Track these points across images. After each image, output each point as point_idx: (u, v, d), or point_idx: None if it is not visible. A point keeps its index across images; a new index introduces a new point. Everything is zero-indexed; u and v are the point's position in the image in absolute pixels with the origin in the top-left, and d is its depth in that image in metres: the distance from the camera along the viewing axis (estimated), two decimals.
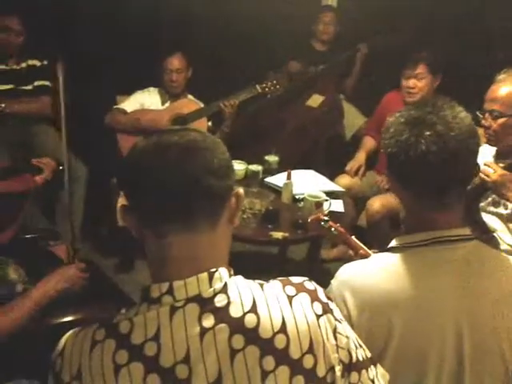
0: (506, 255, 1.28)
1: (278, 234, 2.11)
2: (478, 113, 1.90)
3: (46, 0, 3.09)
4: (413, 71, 2.79)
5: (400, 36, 3.57)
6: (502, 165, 1.81)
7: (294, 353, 0.79)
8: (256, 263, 2.66)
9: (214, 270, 0.82)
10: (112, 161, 3.03)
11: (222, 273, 0.83)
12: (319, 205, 2.23)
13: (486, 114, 1.91)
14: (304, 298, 0.84)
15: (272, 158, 2.78)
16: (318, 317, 0.83)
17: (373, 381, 0.88)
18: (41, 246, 2.24)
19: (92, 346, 0.80)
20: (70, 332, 0.86)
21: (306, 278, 0.90)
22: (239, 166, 2.59)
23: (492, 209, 1.92)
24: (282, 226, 2.21)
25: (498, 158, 1.98)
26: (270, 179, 2.62)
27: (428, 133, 1.08)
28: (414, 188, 1.14)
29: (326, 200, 2.30)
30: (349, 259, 2.82)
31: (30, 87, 3.03)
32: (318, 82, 3.56)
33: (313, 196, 2.28)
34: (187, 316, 0.79)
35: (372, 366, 0.89)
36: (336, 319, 0.86)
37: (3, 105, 2.71)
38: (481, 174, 1.74)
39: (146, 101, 3.15)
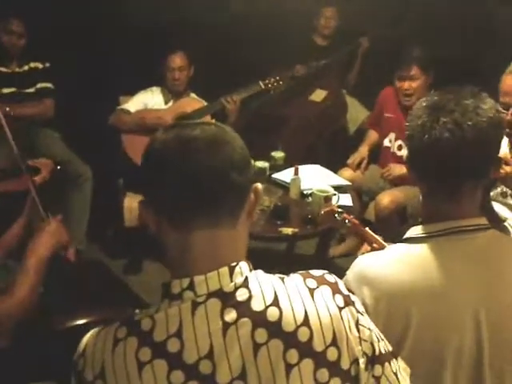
0: None
1: (288, 230, 2.10)
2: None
3: (47, 1, 3.08)
4: (406, 73, 2.80)
5: (399, 29, 3.57)
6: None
7: (318, 345, 0.79)
8: (264, 260, 2.61)
9: (234, 264, 0.81)
10: (117, 162, 3.03)
11: (243, 267, 0.82)
12: (328, 199, 2.23)
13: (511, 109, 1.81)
14: (325, 290, 0.84)
15: (278, 154, 2.77)
16: (341, 309, 0.82)
17: (396, 374, 0.87)
18: None
19: (114, 344, 0.79)
20: (91, 332, 0.85)
21: (326, 271, 0.89)
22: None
23: (500, 199, 1.91)
24: (291, 222, 2.20)
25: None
26: (277, 175, 2.62)
27: (444, 119, 1.07)
28: (427, 176, 1.14)
29: (334, 194, 2.30)
30: (356, 254, 2.83)
31: (32, 90, 3.04)
32: (321, 76, 3.56)
33: (321, 191, 2.28)
34: (209, 311, 0.78)
35: (394, 360, 0.88)
36: (358, 311, 0.85)
37: (8, 108, 2.70)
38: None
39: (149, 100, 3.15)
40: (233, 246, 0.84)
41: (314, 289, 0.83)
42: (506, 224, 1.90)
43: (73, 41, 3.18)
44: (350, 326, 0.82)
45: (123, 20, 3.37)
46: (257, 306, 0.79)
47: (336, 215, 1.62)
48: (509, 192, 1.83)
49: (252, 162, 0.87)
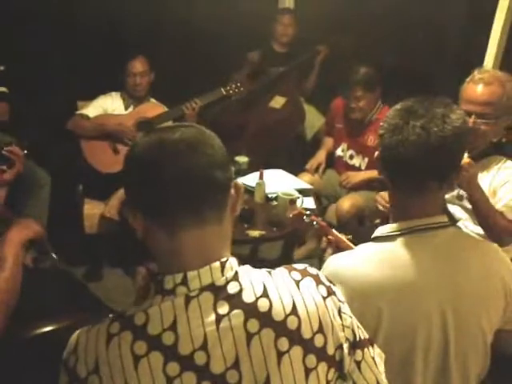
0: (481, 239, 1.35)
1: (255, 233, 2.14)
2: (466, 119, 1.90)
3: (2, 4, 3.00)
4: (351, 94, 2.89)
5: (355, 37, 3.68)
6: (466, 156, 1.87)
7: (306, 333, 0.83)
8: None
9: (225, 259, 0.85)
10: (76, 167, 2.98)
11: (232, 262, 0.86)
12: (292, 202, 2.28)
13: (473, 117, 1.82)
14: (309, 281, 0.88)
15: (242, 159, 2.81)
16: (324, 298, 0.87)
17: (373, 359, 0.93)
18: None
19: (108, 339, 0.81)
20: (80, 330, 0.86)
21: (308, 265, 0.94)
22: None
23: (457, 201, 2.00)
24: (257, 225, 2.24)
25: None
26: (241, 180, 2.65)
27: (414, 123, 1.15)
28: (394, 174, 1.21)
29: (298, 197, 2.35)
30: (317, 256, 2.88)
31: None
32: (280, 83, 3.61)
33: (286, 194, 2.33)
34: (202, 304, 0.81)
35: (371, 346, 0.94)
36: (339, 300, 0.91)
37: None
38: None
39: (108, 106, 3.11)
40: (220, 242, 0.87)
41: (299, 280, 0.88)
42: (459, 224, 2.00)
43: (29, 43, 3.10)
44: (333, 314, 0.87)
45: (82, 24, 3.31)
46: (248, 297, 0.82)
47: (304, 217, 1.66)
48: (465, 195, 1.90)
49: (228, 160, 0.90)
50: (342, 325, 0.88)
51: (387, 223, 1.27)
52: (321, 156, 3.19)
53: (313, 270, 0.92)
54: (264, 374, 0.80)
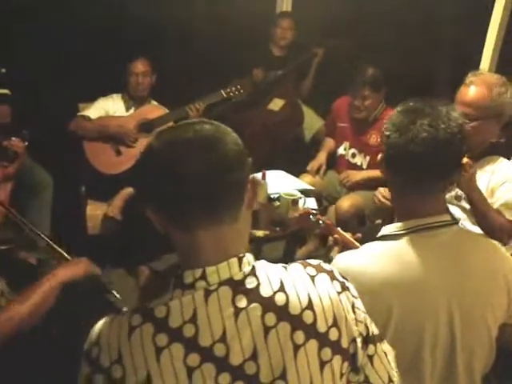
0: (484, 237, 1.40)
1: (259, 232, 2.18)
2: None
3: (2, 3, 3.02)
4: (359, 92, 2.94)
5: (352, 40, 3.73)
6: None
7: (321, 327, 0.86)
8: None
9: (242, 255, 0.87)
10: (79, 169, 3.00)
11: (249, 257, 0.89)
12: (295, 202, 2.32)
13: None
14: (324, 277, 0.91)
15: None
16: (339, 293, 0.90)
17: (385, 354, 0.96)
18: (15, 256, 2.19)
19: (130, 331, 0.83)
20: (101, 322, 0.88)
21: (321, 261, 0.97)
22: None
23: (455, 202, 2.03)
24: (260, 225, 2.27)
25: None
26: None
27: (421, 121, 1.19)
28: (402, 174, 1.24)
29: (300, 198, 2.39)
30: (316, 256, 2.92)
31: None
32: (278, 86, 3.65)
33: (288, 194, 2.37)
34: (221, 298, 0.84)
35: (382, 341, 0.97)
36: (353, 296, 0.93)
37: None
38: None
39: (110, 107, 3.13)
40: (237, 239, 0.89)
41: (314, 276, 0.90)
42: (459, 224, 2.04)
43: (29, 45, 3.12)
44: (347, 309, 0.90)
45: (83, 26, 3.33)
46: (265, 292, 0.85)
47: (310, 216, 1.70)
48: (463, 195, 1.94)
49: (246, 158, 0.89)
50: (356, 319, 0.91)
51: (389, 223, 1.31)
52: (322, 157, 3.23)
53: (327, 266, 0.95)
54: (281, 366, 0.83)
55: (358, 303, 0.94)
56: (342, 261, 1.26)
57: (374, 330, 0.95)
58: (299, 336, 0.84)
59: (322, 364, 0.85)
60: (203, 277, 0.84)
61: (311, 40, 3.82)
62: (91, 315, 1.72)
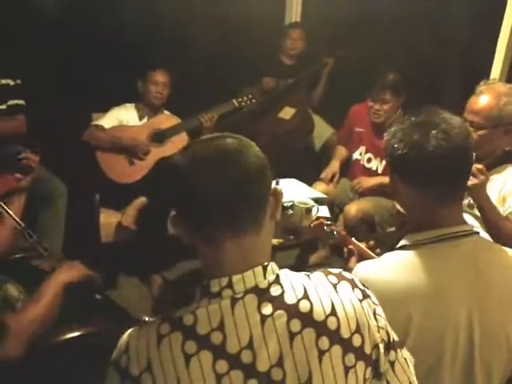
0: (502, 247, 1.40)
1: (274, 241, 2.19)
2: None
3: (18, 15, 3.07)
4: (379, 96, 2.97)
5: (362, 50, 3.75)
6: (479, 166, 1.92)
7: (345, 333, 0.88)
8: None
9: (266, 263, 0.89)
10: (92, 177, 3.03)
11: (273, 266, 0.91)
12: (308, 211, 2.33)
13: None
14: (345, 285, 0.93)
15: None
16: (361, 301, 0.92)
17: (406, 360, 0.97)
18: (28, 264, 2.22)
19: (159, 339, 0.85)
20: (130, 331, 0.90)
21: (342, 269, 0.99)
22: None
23: (468, 210, 2.03)
24: (275, 233, 2.28)
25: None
26: None
27: (435, 131, 1.20)
28: (424, 185, 1.24)
29: (314, 206, 2.40)
30: (328, 264, 2.93)
31: (3, 107, 2.96)
32: (289, 94, 3.68)
33: (302, 203, 2.38)
34: (247, 306, 0.85)
35: (402, 348, 0.98)
36: (374, 303, 0.95)
37: None
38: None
39: (123, 117, 3.17)
40: (261, 249, 0.91)
41: (336, 284, 0.92)
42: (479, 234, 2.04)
43: (44, 56, 3.17)
44: (369, 316, 0.92)
45: (96, 37, 3.38)
46: (290, 299, 0.87)
47: (325, 227, 1.71)
48: (475, 204, 1.94)
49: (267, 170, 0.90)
50: (378, 326, 0.92)
51: (400, 230, 1.31)
52: (335, 165, 3.25)
53: (348, 275, 0.96)
54: (306, 372, 0.84)
55: (379, 310, 0.96)
56: (362, 270, 1.27)
57: (394, 336, 0.97)
58: (324, 342, 0.86)
59: (346, 369, 0.87)
60: (229, 285, 0.86)
61: (320, 49, 3.85)
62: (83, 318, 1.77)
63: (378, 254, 1.64)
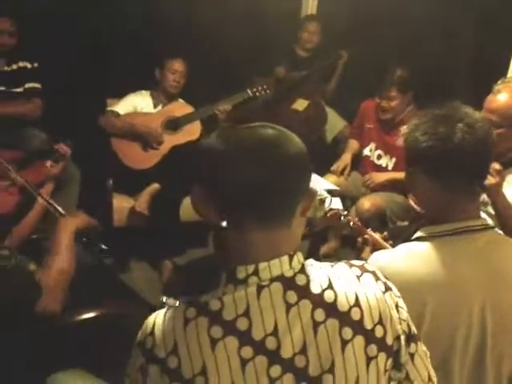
0: None
1: None
2: None
3: (37, 2, 3.08)
4: (386, 93, 2.96)
5: (377, 44, 3.74)
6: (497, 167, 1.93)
7: (368, 324, 0.89)
8: None
9: (292, 253, 0.90)
10: (106, 162, 3.06)
11: (299, 256, 0.92)
12: (322, 202, 2.35)
13: None
14: (368, 277, 0.94)
15: None
16: (383, 293, 0.93)
17: (425, 353, 0.99)
18: (42, 244, 2.26)
19: (185, 323, 0.86)
20: (155, 314, 0.92)
21: (365, 262, 1.00)
22: None
23: (482, 208, 2.03)
24: None
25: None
26: None
27: (460, 124, 1.22)
28: (448, 178, 1.25)
29: (327, 197, 2.42)
30: (338, 255, 2.95)
31: (20, 89, 3.00)
32: (302, 86, 3.68)
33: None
34: (273, 294, 0.87)
35: (420, 341, 0.99)
36: (396, 296, 0.96)
37: None
38: None
39: (138, 103, 3.19)
40: (289, 241, 0.91)
41: (359, 276, 0.94)
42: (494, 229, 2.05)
43: (62, 41, 3.18)
44: (391, 308, 0.93)
45: (114, 24, 3.39)
46: (314, 289, 0.88)
47: (342, 218, 1.73)
48: (489, 202, 1.95)
49: (308, 166, 0.89)
50: (399, 318, 0.93)
51: (414, 224, 1.33)
52: (347, 158, 3.26)
53: (370, 267, 0.97)
54: (329, 360, 0.86)
55: (401, 302, 0.97)
56: (379, 259, 1.28)
57: (414, 329, 0.98)
58: (347, 332, 0.87)
59: (368, 360, 0.88)
60: (255, 272, 0.87)
61: (335, 42, 3.85)
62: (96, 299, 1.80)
63: (392, 246, 1.66)
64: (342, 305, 0.88)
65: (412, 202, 2.14)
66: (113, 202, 2.94)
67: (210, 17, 3.65)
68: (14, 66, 2.99)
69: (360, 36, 3.78)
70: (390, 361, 0.91)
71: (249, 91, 3.24)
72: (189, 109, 3.21)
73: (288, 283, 0.87)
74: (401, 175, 2.96)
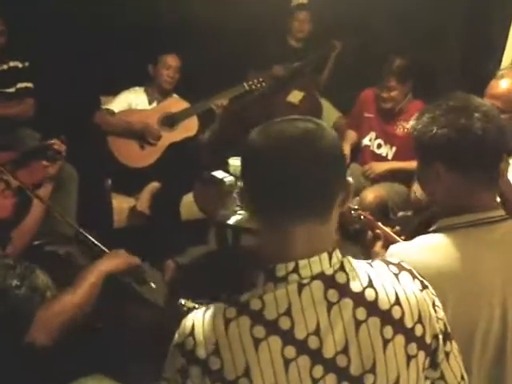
0: None
1: None
2: None
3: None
4: (385, 83, 2.94)
5: (370, 34, 3.73)
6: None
7: (408, 322, 0.88)
8: None
9: (331, 250, 0.89)
10: (103, 162, 3.01)
11: (337, 253, 0.90)
12: None
13: None
14: (406, 275, 0.94)
15: None
16: (421, 291, 0.93)
17: (458, 351, 0.98)
18: (46, 249, 2.22)
19: (226, 323, 0.85)
20: (192, 314, 0.90)
21: (401, 260, 0.99)
22: (237, 162, 2.65)
23: None
24: None
25: None
26: None
27: (478, 114, 1.20)
28: (469, 169, 1.24)
29: None
30: (340, 248, 2.93)
31: (12, 89, 2.96)
32: (297, 78, 3.66)
33: None
34: (314, 292, 0.85)
35: (453, 339, 0.99)
36: (433, 294, 0.96)
37: None
38: None
39: (132, 100, 3.15)
40: (327, 236, 0.90)
41: (397, 274, 0.93)
42: None
43: (52, 39, 3.12)
44: (429, 306, 0.92)
45: (103, 21, 3.33)
46: (355, 287, 0.87)
47: (352, 212, 1.71)
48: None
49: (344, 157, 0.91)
50: (436, 317, 0.93)
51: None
52: (345, 149, 3.21)
53: (406, 265, 0.97)
54: (371, 360, 0.85)
55: (438, 301, 0.96)
56: (398, 252, 1.26)
57: (449, 327, 0.97)
58: (388, 331, 0.86)
59: (409, 358, 0.87)
60: (295, 270, 0.86)
61: (327, 32, 3.82)
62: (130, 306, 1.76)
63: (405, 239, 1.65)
64: (383, 303, 0.87)
65: (417, 194, 2.13)
66: (112, 202, 2.90)
67: (202, 11, 3.61)
68: (5, 66, 2.95)
69: (352, 25, 3.76)
70: (428, 359, 0.91)
71: (245, 85, 3.22)
72: (185, 104, 3.18)
73: (328, 281, 0.86)
74: (401, 165, 2.99)
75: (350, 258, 0.93)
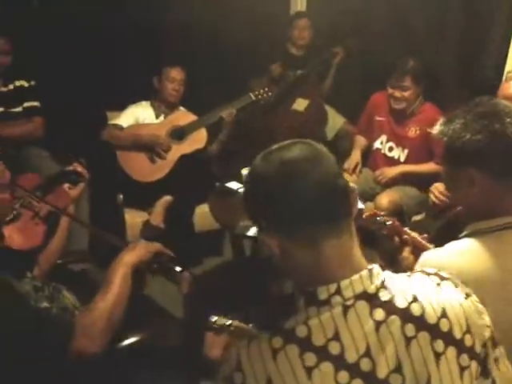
0: None
1: None
2: None
3: (31, 18, 3.02)
4: (399, 83, 2.93)
5: (371, 39, 3.75)
6: None
7: (457, 334, 0.87)
8: None
9: (371, 267, 0.88)
10: (114, 177, 3.00)
11: (378, 269, 0.89)
12: None
13: None
14: (448, 285, 0.93)
15: None
16: (465, 300, 0.92)
17: (505, 356, 0.97)
18: (68, 268, 2.21)
19: (274, 354, 0.84)
20: (235, 347, 0.89)
21: (438, 267, 0.98)
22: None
23: None
24: None
25: None
26: None
27: (508, 119, 1.21)
28: (505, 174, 1.24)
29: None
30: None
31: (19, 109, 2.94)
32: (300, 86, 3.66)
33: None
34: (360, 313, 0.84)
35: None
36: (476, 301, 0.95)
37: None
38: None
39: (139, 115, 3.14)
40: (357, 250, 0.90)
41: (439, 284, 0.92)
42: None
43: (57, 57, 3.12)
44: (475, 314, 0.91)
45: (107, 37, 3.34)
46: (400, 303, 0.86)
47: (378, 218, 1.71)
48: None
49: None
50: (484, 324, 0.92)
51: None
52: (357, 155, 3.23)
53: (445, 274, 0.96)
54: (425, 376, 0.84)
55: (483, 308, 0.95)
56: (430, 256, 1.27)
57: (496, 334, 0.97)
58: (439, 344, 0.85)
59: (462, 370, 0.87)
60: (338, 292, 0.84)
61: (328, 39, 3.84)
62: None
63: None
64: (430, 317, 0.86)
65: (435, 192, 2.12)
66: (125, 217, 2.89)
67: (203, 22, 3.62)
68: (11, 86, 2.94)
69: (352, 31, 3.78)
70: (479, 369, 0.90)
71: (251, 95, 3.21)
72: (192, 117, 3.17)
73: (372, 300, 0.85)
74: (412, 168, 3.00)
75: (388, 272, 0.92)
